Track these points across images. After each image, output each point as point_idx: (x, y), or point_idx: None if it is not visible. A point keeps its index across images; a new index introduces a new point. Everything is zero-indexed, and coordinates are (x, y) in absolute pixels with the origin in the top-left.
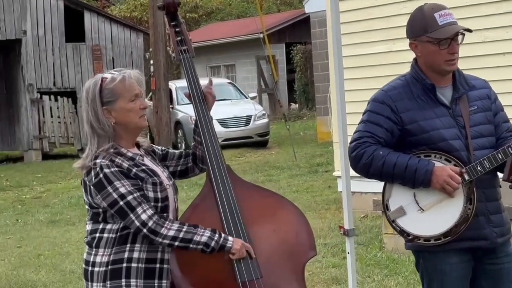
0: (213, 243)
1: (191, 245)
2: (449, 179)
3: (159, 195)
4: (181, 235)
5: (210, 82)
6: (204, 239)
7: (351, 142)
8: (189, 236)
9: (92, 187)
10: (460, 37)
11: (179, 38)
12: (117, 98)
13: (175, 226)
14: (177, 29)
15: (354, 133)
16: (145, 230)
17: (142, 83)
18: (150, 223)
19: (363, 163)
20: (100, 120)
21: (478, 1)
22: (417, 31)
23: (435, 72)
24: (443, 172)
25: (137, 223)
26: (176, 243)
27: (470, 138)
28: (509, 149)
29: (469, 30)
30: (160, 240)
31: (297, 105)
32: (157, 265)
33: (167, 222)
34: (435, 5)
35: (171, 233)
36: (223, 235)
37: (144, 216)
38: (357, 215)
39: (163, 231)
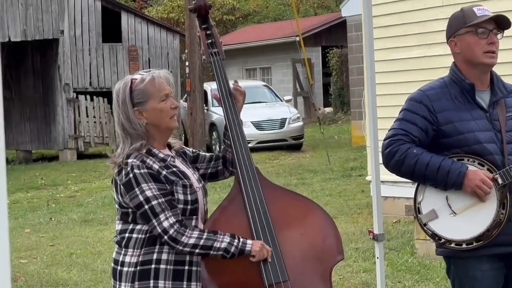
0: (232, 249)
1: (211, 252)
2: (481, 183)
3: (189, 197)
4: (201, 242)
5: (236, 82)
6: (224, 245)
7: (385, 140)
8: (209, 243)
9: (122, 187)
10: (500, 34)
11: (209, 41)
12: (147, 98)
13: (195, 234)
14: (208, 32)
15: (389, 131)
16: (166, 237)
17: (171, 82)
18: (171, 231)
19: (395, 160)
20: (132, 121)
21: None
22: (456, 26)
23: (475, 68)
24: (476, 176)
25: (159, 230)
26: (197, 251)
27: (506, 143)
28: None
29: (507, 23)
30: (181, 248)
31: (327, 109)
32: (186, 267)
33: (188, 230)
34: (475, 4)
35: (192, 241)
36: (241, 239)
37: (166, 224)
38: (390, 220)
39: (184, 239)
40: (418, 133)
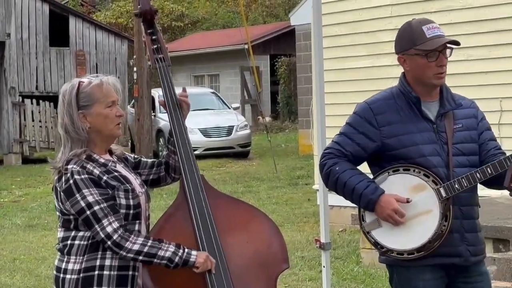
0: (177, 259)
1: (155, 260)
2: (393, 213)
3: (131, 202)
4: (145, 249)
5: (184, 90)
6: (168, 254)
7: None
8: (153, 251)
9: (62, 193)
10: (448, 51)
11: (155, 46)
12: (93, 102)
13: (140, 240)
14: (153, 37)
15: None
16: (109, 243)
17: (119, 90)
18: (115, 236)
19: (323, 174)
20: (75, 124)
21: (461, 19)
22: (405, 45)
23: (424, 86)
24: (388, 205)
25: (102, 235)
26: (140, 258)
27: (452, 155)
28: (488, 169)
29: (457, 43)
30: (124, 253)
31: (267, 118)
32: (130, 272)
33: (132, 236)
34: (423, 19)
35: (136, 247)
36: (186, 249)
37: (109, 229)
38: (336, 229)
39: (128, 245)
40: (351, 148)
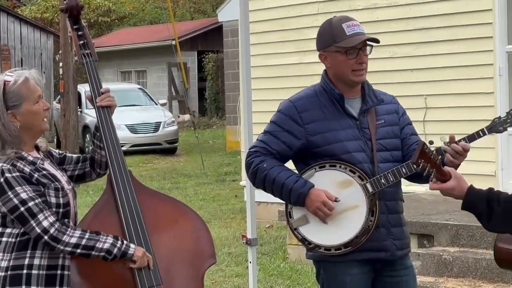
0: (115, 250)
1: (93, 252)
2: (322, 206)
3: (61, 200)
4: (83, 242)
5: (107, 90)
6: (106, 246)
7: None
8: (91, 243)
9: None
10: (368, 48)
11: (81, 42)
12: (22, 101)
13: (77, 233)
14: (79, 33)
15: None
16: (46, 237)
17: (41, 83)
18: (51, 230)
19: (250, 173)
20: (6, 126)
21: (387, 17)
22: (325, 42)
23: (344, 83)
24: (318, 198)
25: (38, 230)
26: (78, 251)
27: (376, 151)
28: (414, 165)
29: (376, 40)
30: (62, 247)
31: (186, 116)
32: (59, 272)
33: (69, 229)
34: (343, 17)
35: (73, 240)
36: (125, 242)
37: (45, 223)
38: (263, 225)
39: (65, 238)
40: (277, 146)
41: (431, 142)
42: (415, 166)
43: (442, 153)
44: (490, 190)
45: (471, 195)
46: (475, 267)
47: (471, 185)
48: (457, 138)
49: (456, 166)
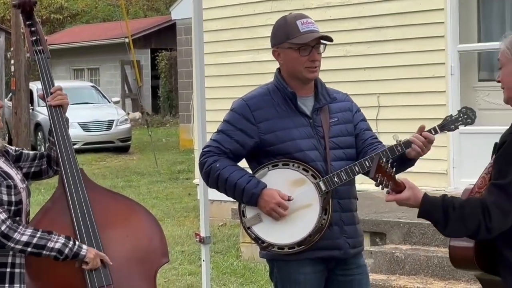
0: (67, 250)
1: (44, 252)
2: (276, 206)
3: (13, 198)
4: (34, 241)
5: (60, 88)
6: (58, 245)
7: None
8: (42, 242)
9: None
10: (321, 46)
11: (34, 38)
12: None
13: (29, 231)
14: (32, 29)
15: (209, 141)
16: None
17: None
18: (2, 227)
19: (203, 172)
20: None
21: (341, 16)
22: (279, 38)
23: (297, 80)
24: (272, 199)
25: None
26: (29, 249)
27: (329, 149)
28: (366, 162)
29: (329, 39)
30: (13, 245)
31: (136, 113)
32: (8, 269)
33: (20, 227)
34: (298, 14)
35: (24, 238)
36: (77, 242)
37: None
38: (216, 223)
39: (16, 236)
40: (231, 145)
41: (397, 139)
42: (374, 181)
43: (409, 147)
44: (444, 196)
45: (427, 204)
46: (426, 264)
47: (425, 193)
48: (408, 136)
49: (417, 158)
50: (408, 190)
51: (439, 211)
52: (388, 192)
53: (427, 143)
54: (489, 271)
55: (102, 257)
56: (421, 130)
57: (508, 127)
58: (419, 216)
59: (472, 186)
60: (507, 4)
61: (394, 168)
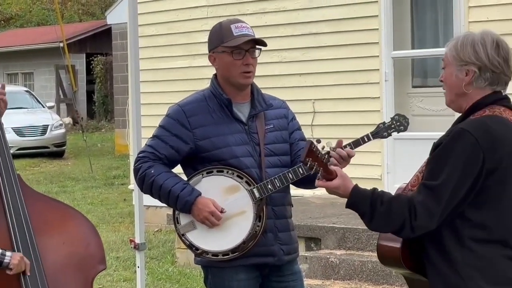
0: None
1: None
2: (210, 215)
3: None
4: None
5: (3, 86)
6: None
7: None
8: None
9: None
10: (257, 51)
11: None
12: None
13: None
14: None
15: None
16: None
17: None
18: None
19: (137, 178)
20: None
21: (276, 22)
22: (214, 43)
23: (232, 86)
24: (205, 208)
25: None
26: None
27: (264, 156)
28: (300, 169)
29: (263, 43)
30: None
31: (66, 119)
32: None
33: None
34: (233, 19)
35: None
36: (1, 251)
37: None
38: (151, 229)
39: None
40: (166, 151)
41: (318, 141)
42: (303, 165)
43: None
44: (374, 190)
45: (355, 195)
46: (361, 269)
47: (356, 184)
48: (344, 142)
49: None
50: (339, 178)
51: (367, 204)
52: (318, 178)
53: (347, 158)
54: (416, 271)
55: (26, 264)
56: (339, 145)
57: (443, 133)
58: (347, 206)
59: (406, 184)
60: (439, 12)
61: (327, 156)
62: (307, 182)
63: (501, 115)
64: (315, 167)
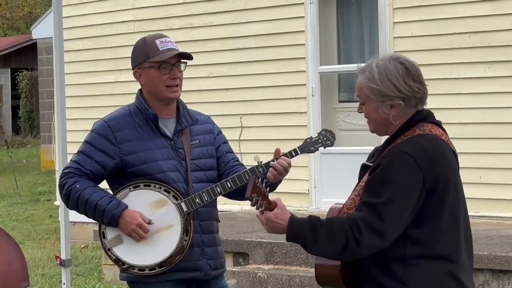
0: None
1: None
2: (138, 228)
3: None
4: None
5: None
6: None
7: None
8: None
9: None
10: (182, 65)
11: None
12: None
13: None
14: None
15: (69, 162)
16: None
17: None
18: None
19: (63, 194)
20: None
21: (204, 37)
22: (139, 59)
23: (159, 100)
24: (133, 220)
25: None
26: None
27: (190, 171)
28: (227, 183)
29: (189, 56)
30: None
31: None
32: None
33: None
34: (157, 34)
35: None
36: None
37: None
38: (78, 245)
39: None
40: (91, 166)
41: (258, 160)
42: (250, 202)
43: (269, 167)
44: (310, 216)
45: (293, 223)
46: (289, 284)
47: (292, 214)
48: (270, 157)
49: (278, 182)
50: (278, 209)
51: (307, 230)
52: (262, 212)
53: (287, 167)
54: None
55: None
56: (277, 153)
57: (371, 148)
58: (288, 239)
59: (340, 205)
60: (365, 27)
61: (268, 188)
62: (236, 195)
63: (431, 133)
64: (259, 202)
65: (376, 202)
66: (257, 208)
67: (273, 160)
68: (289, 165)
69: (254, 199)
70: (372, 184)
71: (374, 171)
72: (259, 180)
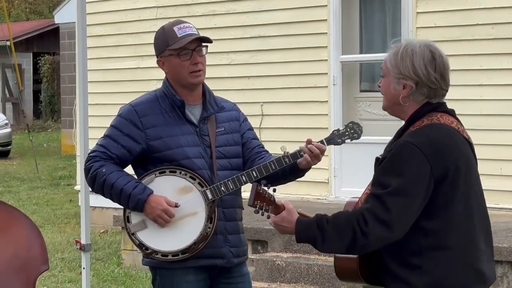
0: None
1: None
2: (163, 213)
3: None
4: None
5: None
6: None
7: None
8: None
9: None
10: (203, 49)
11: None
12: None
13: None
14: None
15: (95, 145)
16: None
17: None
18: None
19: (89, 177)
20: None
21: (226, 24)
22: (160, 47)
23: (183, 87)
24: (158, 206)
25: None
26: None
27: (215, 158)
28: (253, 172)
29: (208, 40)
30: None
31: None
32: None
33: None
34: (175, 21)
35: None
36: None
37: None
38: (97, 230)
39: None
40: (117, 150)
41: (285, 151)
42: (251, 207)
43: (297, 158)
44: (317, 215)
45: (301, 224)
46: (307, 272)
47: (299, 216)
48: (293, 146)
49: (307, 169)
50: (285, 211)
51: (314, 228)
52: (268, 217)
53: (319, 154)
54: (372, 282)
55: None
56: (309, 143)
57: (391, 138)
58: (298, 240)
59: (356, 199)
60: (388, 17)
61: (274, 191)
62: (278, 178)
63: (439, 122)
64: (264, 207)
65: (382, 193)
66: (262, 215)
67: (286, 153)
68: (323, 152)
69: (258, 205)
70: (378, 176)
71: (381, 163)
72: (261, 185)
